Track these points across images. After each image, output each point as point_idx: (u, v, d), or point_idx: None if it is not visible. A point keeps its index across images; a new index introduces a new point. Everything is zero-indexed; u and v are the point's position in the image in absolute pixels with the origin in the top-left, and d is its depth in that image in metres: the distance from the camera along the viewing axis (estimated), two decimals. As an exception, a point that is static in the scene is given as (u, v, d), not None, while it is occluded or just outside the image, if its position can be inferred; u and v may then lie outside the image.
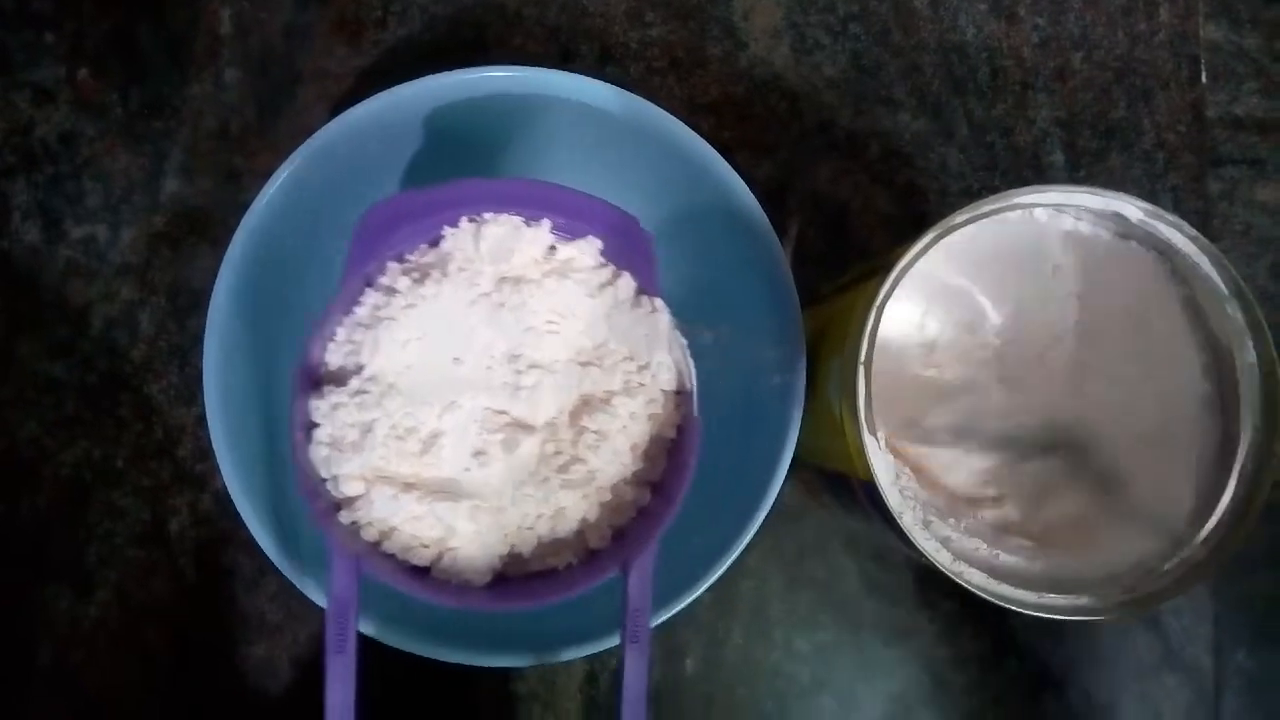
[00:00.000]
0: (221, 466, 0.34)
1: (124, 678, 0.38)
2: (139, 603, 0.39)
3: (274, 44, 0.41)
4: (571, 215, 0.30)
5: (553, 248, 0.31)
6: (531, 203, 0.30)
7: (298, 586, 0.34)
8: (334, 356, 0.30)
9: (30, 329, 0.40)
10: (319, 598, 0.34)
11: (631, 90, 0.36)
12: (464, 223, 0.30)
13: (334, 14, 0.42)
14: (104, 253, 0.40)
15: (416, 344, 0.29)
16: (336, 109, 0.38)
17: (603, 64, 0.42)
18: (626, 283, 0.31)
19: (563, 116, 0.36)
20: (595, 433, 0.30)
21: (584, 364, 0.30)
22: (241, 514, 0.34)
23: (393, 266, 0.30)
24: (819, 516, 0.40)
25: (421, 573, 0.29)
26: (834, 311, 0.34)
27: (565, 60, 0.42)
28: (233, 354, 0.35)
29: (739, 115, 0.42)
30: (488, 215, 0.30)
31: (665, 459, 0.31)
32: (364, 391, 0.29)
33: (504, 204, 0.30)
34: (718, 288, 0.37)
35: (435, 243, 0.30)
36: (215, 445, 0.34)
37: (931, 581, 0.40)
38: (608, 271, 0.31)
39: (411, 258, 0.30)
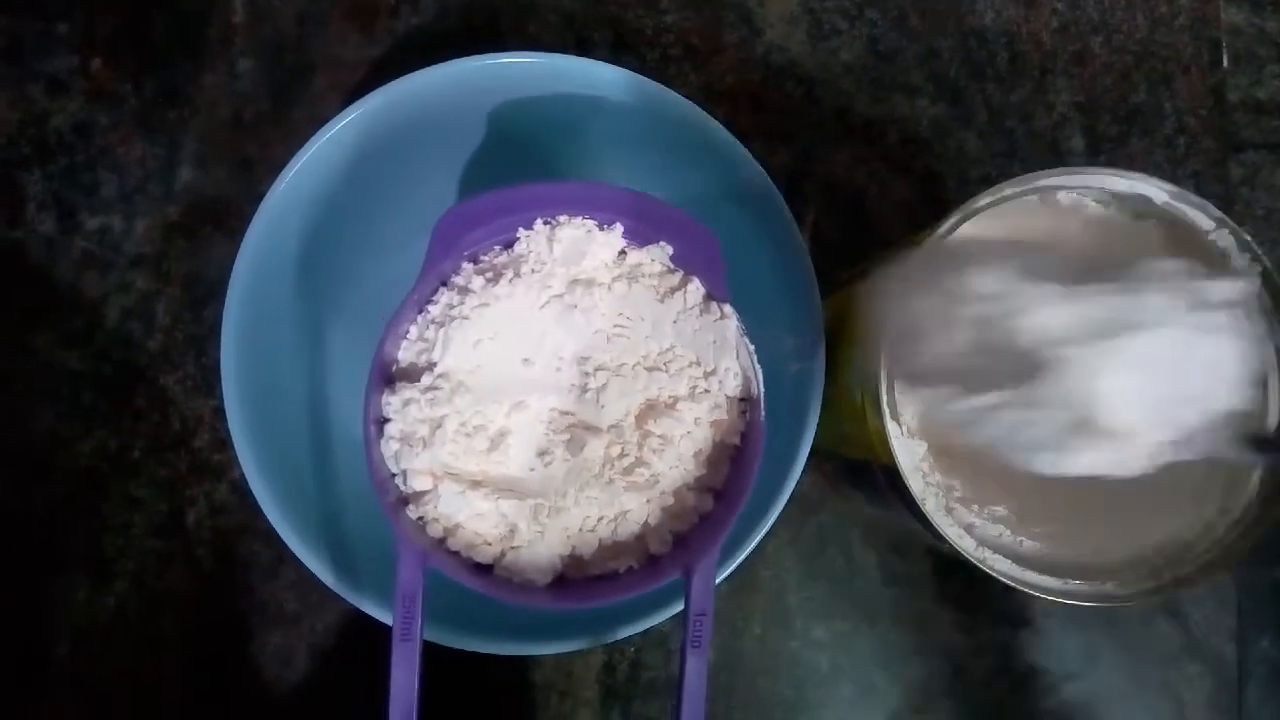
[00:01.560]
0: (240, 456, 0.34)
1: (141, 667, 0.38)
2: (156, 593, 0.39)
3: (287, 32, 0.41)
4: (644, 220, 0.31)
5: (623, 252, 0.31)
6: (605, 206, 0.30)
7: (315, 574, 0.34)
8: (406, 353, 0.30)
9: (46, 320, 0.40)
10: (337, 586, 0.34)
11: (647, 77, 0.35)
12: (538, 225, 0.30)
13: (347, 2, 0.41)
14: (119, 243, 0.40)
15: (488, 343, 0.30)
16: (350, 97, 0.38)
17: (617, 51, 0.42)
18: (695, 288, 0.31)
19: (580, 103, 0.36)
20: (660, 437, 0.30)
21: (650, 369, 0.30)
22: (260, 503, 0.34)
23: (467, 267, 0.31)
24: (838, 505, 0.40)
25: (484, 570, 0.29)
26: (854, 298, 0.34)
27: (580, 47, 0.42)
28: (250, 344, 0.35)
29: (755, 102, 0.42)
30: (562, 218, 0.30)
31: (728, 465, 0.31)
32: (435, 388, 0.29)
33: (578, 207, 0.30)
34: (735, 275, 0.37)
35: (509, 244, 0.31)
36: (234, 436, 0.34)
37: (950, 570, 0.40)
38: (677, 277, 0.31)
39: (485, 258, 0.31)
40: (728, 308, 0.31)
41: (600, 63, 0.35)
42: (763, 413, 0.30)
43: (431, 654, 0.33)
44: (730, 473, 0.31)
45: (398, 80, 0.35)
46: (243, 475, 0.34)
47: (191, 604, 0.39)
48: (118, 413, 0.39)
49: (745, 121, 0.41)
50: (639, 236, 0.31)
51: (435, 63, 0.35)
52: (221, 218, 0.40)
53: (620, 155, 0.37)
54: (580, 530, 0.30)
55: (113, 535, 0.39)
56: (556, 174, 0.38)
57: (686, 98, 0.35)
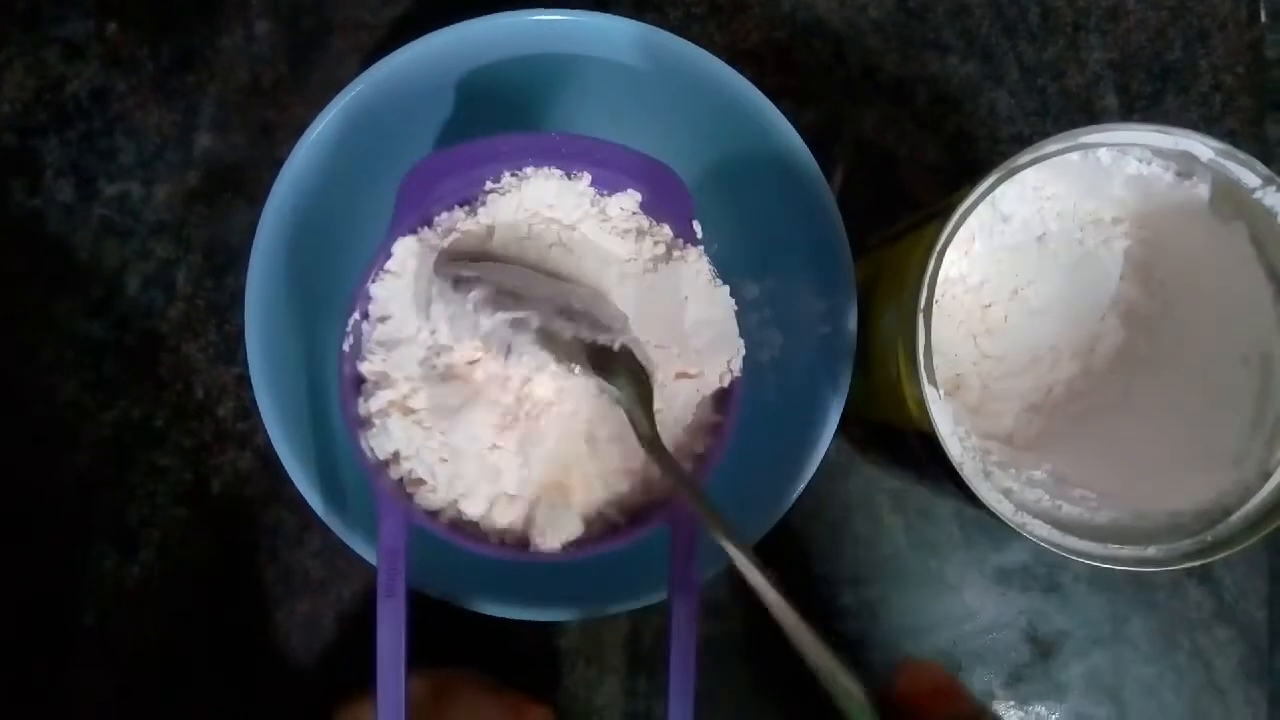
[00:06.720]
0: (266, 423, 0.34)
1: (168, 635, 0.39)
2: (182, 561, 0.39)
3: (304, -7, 0.40)
4: (609, 167, 0.31)
5: (594, 203, 0.31)
6: (571, 156, 0.30)
7: (344, 540, 0.34)
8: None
9: (67, 289, 0.39)
10: (365, 551, 0.34)
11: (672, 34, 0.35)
12: (506, 177, 0.31)
13: (364, -38, 0.41)
14: (138, 210, 0.40)
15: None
16: (369, 59, 0.37)
17: (641, 9, 0.41)
18: (665, 235, 0.31)
19: (603, 61, 0.35)
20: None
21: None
22: (288, 470, 0.34)
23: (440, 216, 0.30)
24: (865, 472, 0.40)
25: (470, 526, 0.29)
26: (887, 260, 0.33)
27: (602, 4, 0.41)
28: (273, 310, 0.34)
29: (781, 61, 0.41)
30: (527, 170, 0.31)
31: (713, 407, 0.31)
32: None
33: (543, 158, 0.30)
34: (764, 237, 0.37)
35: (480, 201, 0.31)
36: (259, 402, 0.34)
37: (978, 536, 0.40)
38: (645, 223, 0.31)
39: (450, 215, 0.31)
40: (695, 251, 0.30)
41: (623, 19, 0.35)
42: (743, 352, 0.30)
43: (459, 620, 0.34)
44: (715, 415, 0.31)
45: (416, 41, 0.34)
46: (267, 442, 0.34)
47: (217, 572, 0.39)
48: (140, 382, 0.39)
49: (771, 81, 0.40)
50: (607, 184, 0.31)
51: (454, 21, 0.34)
52: (240, 184, 0.40)
53: (643, 115, 0.36)
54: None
55: (138, 505, 0.39)
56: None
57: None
